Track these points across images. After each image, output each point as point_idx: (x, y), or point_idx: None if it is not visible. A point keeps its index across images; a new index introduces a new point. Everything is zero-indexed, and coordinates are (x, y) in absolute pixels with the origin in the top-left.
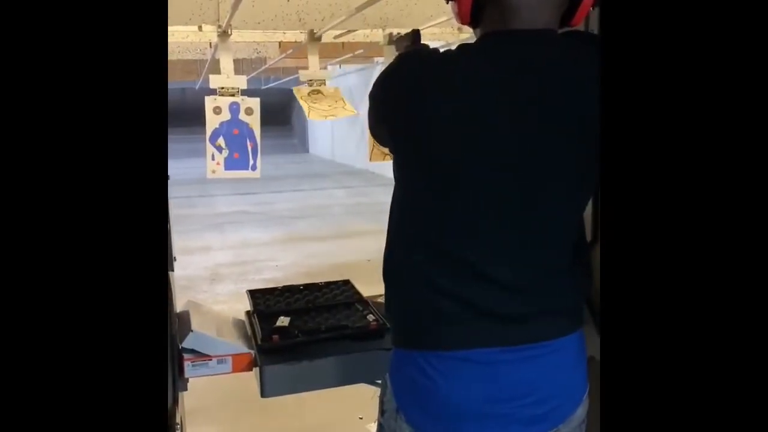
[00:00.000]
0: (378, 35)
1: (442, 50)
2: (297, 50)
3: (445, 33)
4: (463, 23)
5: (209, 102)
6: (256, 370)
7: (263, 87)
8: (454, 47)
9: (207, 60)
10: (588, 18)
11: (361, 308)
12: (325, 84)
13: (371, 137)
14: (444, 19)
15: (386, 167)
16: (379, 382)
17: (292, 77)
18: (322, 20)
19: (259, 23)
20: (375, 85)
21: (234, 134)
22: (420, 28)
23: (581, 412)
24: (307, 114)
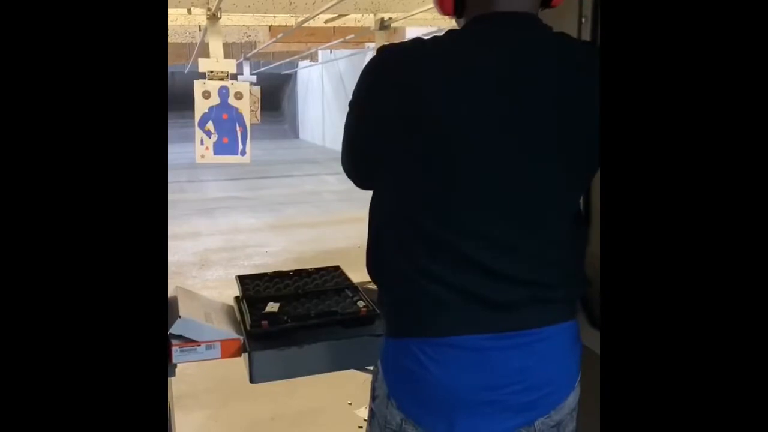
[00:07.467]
0: (369, 20)
1: (426, 38)
2: (288, 34)
3: (437, 19)
4: (445, 14)
5: (198, 86)
6: (245, 356)
7: (253, 72)
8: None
9: (196, 43)
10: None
11: (351, 294)
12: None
13: None
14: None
15: None
16: (369, 368)
17: (283, 61)
18: (313, 4)
19: (248, 6)
20: (357, 86)
21: (223, 119)
22: (411, 13)
23: (572, 400)
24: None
